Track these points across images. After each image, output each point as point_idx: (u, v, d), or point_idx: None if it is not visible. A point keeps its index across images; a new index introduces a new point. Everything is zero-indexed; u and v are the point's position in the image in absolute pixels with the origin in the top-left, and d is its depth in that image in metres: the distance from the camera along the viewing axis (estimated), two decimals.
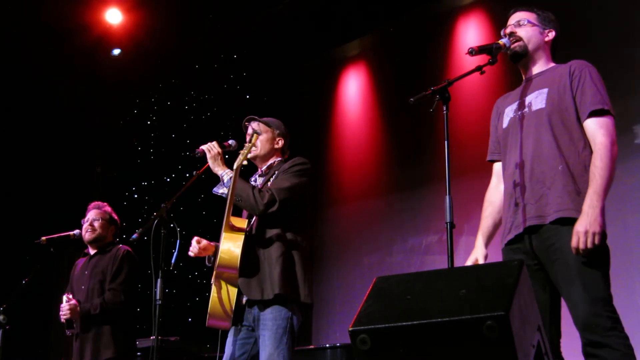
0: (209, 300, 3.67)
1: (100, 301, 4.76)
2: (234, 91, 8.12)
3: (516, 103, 3.35)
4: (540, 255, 3.13)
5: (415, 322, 2.35)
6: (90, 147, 8.23)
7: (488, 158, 3.54)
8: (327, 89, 8.12)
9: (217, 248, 3.83)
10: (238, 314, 3.64)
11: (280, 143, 3.93)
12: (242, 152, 3.62)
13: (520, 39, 3.32)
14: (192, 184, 4.04)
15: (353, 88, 7.96)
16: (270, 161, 3.91)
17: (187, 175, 7.67)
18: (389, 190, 7.35)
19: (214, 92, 8.13)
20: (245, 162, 3.62)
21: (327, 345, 5.45)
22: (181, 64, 7.77)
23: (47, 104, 7.69)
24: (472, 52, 3.17)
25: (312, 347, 5.90)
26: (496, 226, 3.42)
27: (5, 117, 7.50)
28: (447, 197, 3.00)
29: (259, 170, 3.94)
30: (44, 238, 5.17)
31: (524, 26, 3.35)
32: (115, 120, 8.23)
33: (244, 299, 3.64)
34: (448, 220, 2.98)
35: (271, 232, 3.65)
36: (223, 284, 3.63)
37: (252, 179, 3.93)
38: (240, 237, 3.59)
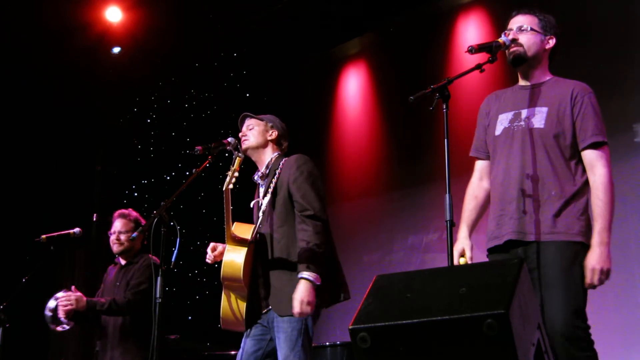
0: (220, 303, 3.69)
1: (110, 300, 4.73)
2: (234, 89, 8.11)
3: (512, 113, 3.36)
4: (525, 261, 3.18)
5: (415, 321, 2.35)
6: (90, 146, 8.23)
7: (471, 154, 3.60)
8: (327, 88, 8.12)
9: None
10: (254, 317, 3.62)
11: (274, 134, 3.89)
12: (228, 174, 3.57)
13: (520, 45, 3.33)
14: (192, 182, 4.03)
15: (353, 86, 7.96)
16: (267, 155, 3.87)
17: (187, 173, 7.66)
18: (389, 188, 7.35)
19: (214, 90, 8.13)
20: (231, 186, 3.56)
21: (327, 343, 5.44)
22: (181, 62, 7.77)
23: (47, 102, 7.68)
24: (472, 50, 3.18)
25: (312, 345, 5.90)
26: (478, 220, 3.48)
27: (4, 116, 7.49)
28: (447, 195, 3.02)
29: (259, 169, 3.89)
30: (44, 236, 5.16)
31: (525, 32, 3.36)
32: (115, 119, 8.23)
33: (266, 308, 3.60)
34: (448, 218, 2.99)
35: (293, 243, 3.59)
36: (231, 293, 3.62)
37: (255, 177, 3.90)
38: (243, 249, 3.57)
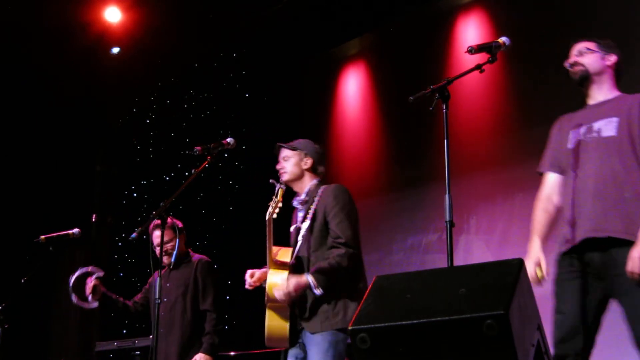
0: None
1: (210, 339, 4.76)
2: (234, 90, 8.11)
3: (584, 127, 3.44)
4: (599, 266, 3.24)
5: (415, 321, 2.35)
6: (89, 146, 8.23)
7: (541, 169, 3.62)
8: (326, 88, 8.11)
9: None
10: (295, 336, 3.79)
11: (309, 162, 3.98)
12: (271, 204, 3.70)
13: (581, 64, 3.49)
14: (191, 183, 4.03)
15: (353, 87, 7.95)
16: (305, 184, 3.98)
17: (187, 174, 7.66)
18: (389, 188, 7.35)
19: (213, 90, 8.13)
20: (274, 216, 3.70)
21: None
22: (180, 62, 7.77)
23: (46, 102, 7.67)
24: (472, 50, 3.19)
25: None
26: (549, 233, 3.50)
27: (4, 116, 7.49)
28: (447, 195, 3.02)
29: (298, 195, 4.00)
30: (43, 237, 5.15)
31: (585, 54, 3.51)
32: (115, 119, 8.23)
33: (301, 326, 3.77)
34: (448, 218, 2.99)
35: None
36: (274, 313, 3.78)
37: (294, 202, 4.01)
38: (285, 271, 3.75)
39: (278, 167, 4.01)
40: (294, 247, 3.87)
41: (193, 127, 7.99)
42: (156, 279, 3.91)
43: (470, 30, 6.85)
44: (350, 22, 7.55)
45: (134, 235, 4.00)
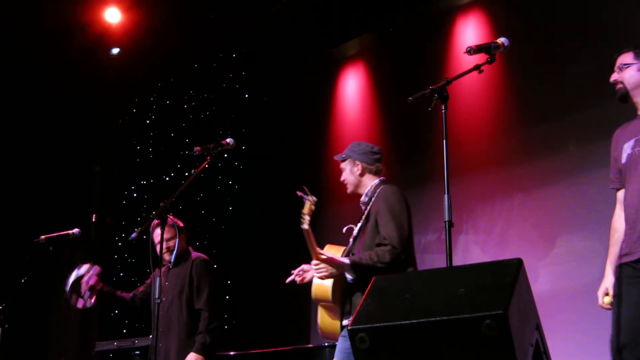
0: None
1: (202, 339, 4.72)
2: (233, 90, 8.11)
3: (633, 140, 3.50)
4: None
5: (414, 321, 2.36)
6: (89, 146, 8.23)
7: (610, 186, 3.66)
8: (326, 89, 8.12)
9: None
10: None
11: (359, 168, 4.07)
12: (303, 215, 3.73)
13: (620, 82, 3.54)
14: (191, 183, 4.04)
15: (352, 87, 7.96)
16: (364, 188, 4.07)
17: (186, 174, 7.66)
18: None
19: (213, 91, 8.13)
20: (306, 226, 3.66)
21: (326, 344, 5.44)
22: (180, 63, 7.77)
23: (46, 103, 7.67)
24: (471, 51, 3.19)
25: (310, 345, 5.91)
26: None
27: (4, 116, 7.49)
28: (446, 196, 3.02)
29: (362, 196, 4.08)
30: (43, 237, 5.15)
31: (622, 69, 3.55)
32: (115, 119, 8.23)
33: (345, 322, 3.84)
34: (447, 219, 2.99)
35: None
36: (325, 311, 3.88)
37: (361, 203, 4.07)
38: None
39: (342, 179, 4.12)
40: (347, 246, 3.96)
41: (193, 128, 7.99)
42: (156, 278, 3.90)
43: (469, 31, 6.85)
44: (349, 22, 7.56)
45: (133, 235, 4.00)
